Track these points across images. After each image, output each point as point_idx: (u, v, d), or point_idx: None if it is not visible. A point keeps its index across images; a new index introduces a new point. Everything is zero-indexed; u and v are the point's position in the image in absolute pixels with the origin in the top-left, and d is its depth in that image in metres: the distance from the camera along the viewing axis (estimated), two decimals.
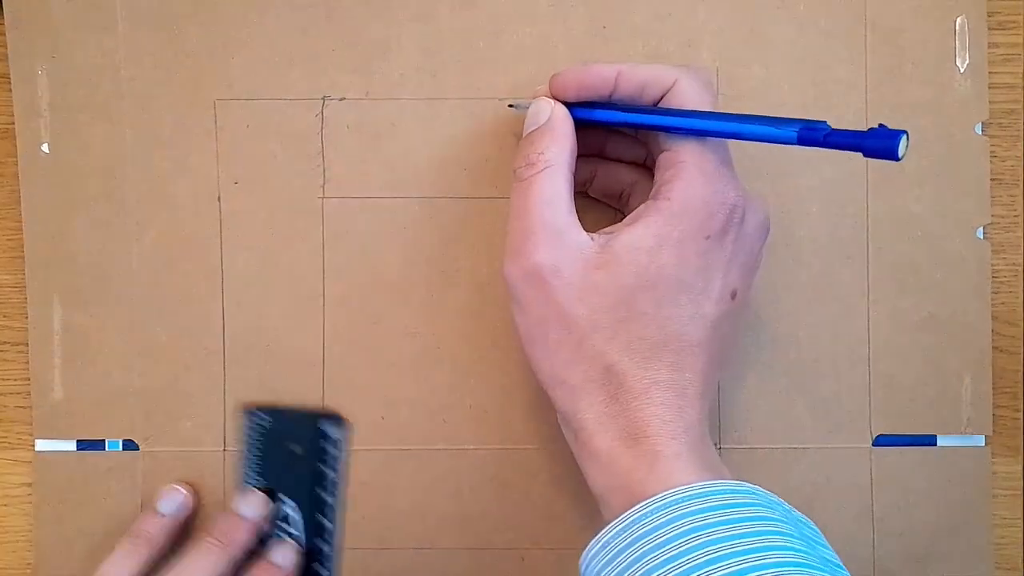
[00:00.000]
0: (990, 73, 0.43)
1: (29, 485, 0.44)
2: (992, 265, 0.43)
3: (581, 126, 0.37)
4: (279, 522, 0.43)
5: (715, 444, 0.43)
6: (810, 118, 0.34)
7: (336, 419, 0.43)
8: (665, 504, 0.32)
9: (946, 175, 0.43)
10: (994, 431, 0.44)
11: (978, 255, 0.43)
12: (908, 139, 0.32)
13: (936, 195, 0.43)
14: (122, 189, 0.43)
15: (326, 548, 0.43)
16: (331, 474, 0.43)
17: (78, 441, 0.43)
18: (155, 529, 0.41)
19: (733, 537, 0.31)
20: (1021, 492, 0.44)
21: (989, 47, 0.43)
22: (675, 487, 0.33)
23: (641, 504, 0.33)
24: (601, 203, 0.42)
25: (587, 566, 0.34)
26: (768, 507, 0.33)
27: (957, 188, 0.43)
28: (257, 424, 0.43)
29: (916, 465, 0.43)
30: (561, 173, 0.36)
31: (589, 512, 0.43)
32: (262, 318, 0.43)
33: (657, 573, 0.31)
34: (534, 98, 0.38)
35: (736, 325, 0.39)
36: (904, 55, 0.43)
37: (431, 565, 0.44)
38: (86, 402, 0.43)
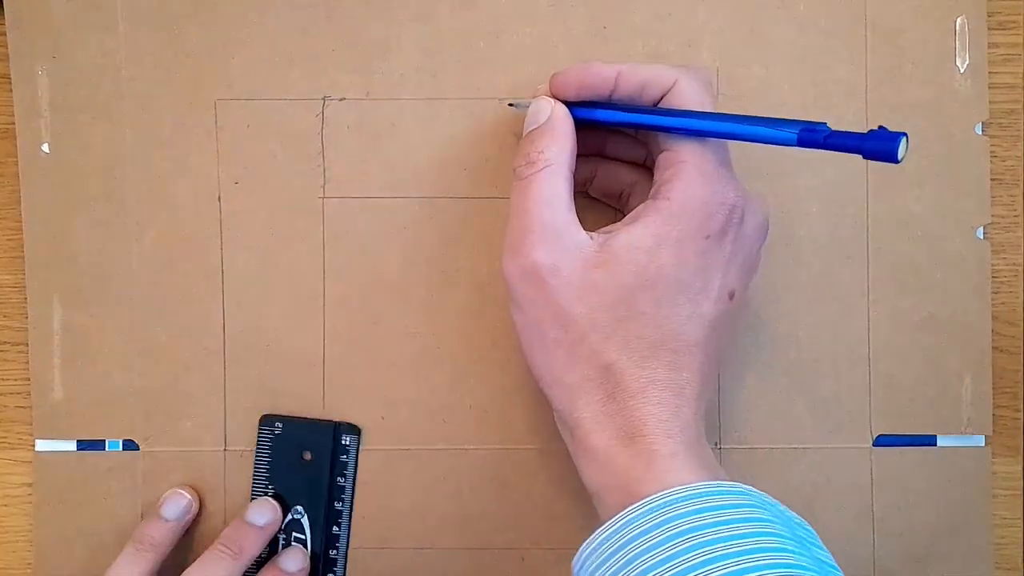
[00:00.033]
0: (990, 73, 0.43)
1: (29, 485, 0.44)
2: (992, 265, 0.43)
3: (581, 126, 0.37)
4: (290, 529, 0.43)
5: (715, 444, 0.43)
6: (810, 118, 0.34)
7: (352, 428, 0.43)
8: (658, 505, 0.32)
9: (946, 175, 0.43)
10: (994, 431, 0.44)
11: (978, 255, 0.43)
12: (908, 141, 0.32)
13: (936, 195, 0.43)
14: (122, 189, 0.43)
15: (336, 555, 0.43)
16: (343, 482, 0.43)
17: (78, 441, 0.43)
18: (160, 534, 0.41)
19: (727, 538, 0.31)
20: (1021, 492, 0.44)
21: (989, 47, 0.43)
22: (672, 485, 0.33)
23: (634, 505, 0.33)
24: (601, 203, 0.42)
25: (580, 568, 0.34)
26: (761, 508, 0.33)
27: (957, 188, 0.43)
28: (271, 432, 0.43)
29: (916, 465, 0.43)
30: (561, 172, 0.36)
31: (589, 512, 0.43)
32: (262, 318, 0.43)
33: (651, 575, 0.31)
34: (534, 97, 0.38)
35: (734, 325, 0.39)
36: (904, 55, 0.43)
37: (431, 565, 0.44)
38: (86, 402, 0.43)
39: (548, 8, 0.43)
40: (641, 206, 0.36)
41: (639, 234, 0.35)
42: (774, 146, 0.35)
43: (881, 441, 0.43)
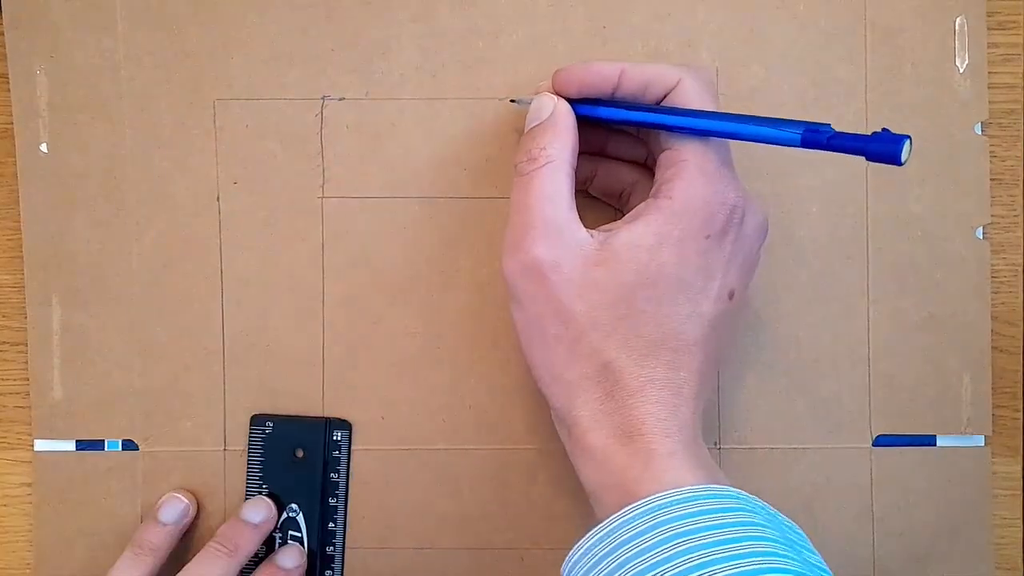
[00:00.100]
0: (990, 73, 0.43)
1: (29, 485, 0.44)
2: (992, 265, 0.43)
3: (583, 124, 0.37)
4: (286, 528, 0.43)
5: (715, 444, 0.43)
6: (809, 118, 0.34)
7: (343, 424, 0.43)
8: (648, 510, 0.32)
9: (946, 175, 0.43)
10: (994, 431, 0.44)
11: (978, 255, 0.43)
12: (911, 143, 0.32)
13: (936, 195, 0.43)
14: (121, 189, 0.43)
15: (332, 551, 0.43)
16: (336, 478, 0.43)
17: (78, 441, 0.43)
18: (158, 538, 0.41)
19: (719, 542, 0.31)
20: (1021, 492, 0.44)
21: (989, 47, 0.43)
22: (670, 485, 0.33)
23: (625, 509, 0.33)
24: (601, 202, 0.42)
25: (569, 571, 0.34)
26: (752, 511, 0.33)
27: (957, 188, 0.43)
28: (262, 432, 0.43)
29: (916, 465, 0.43)
30: (562, 169, 0.36)
31: (588, 512, 0.43)
32: (262, 318, 0.43)
33: None
34: (536, 94, 0.38)
35: (733, 325, 0.39)
36: (904, 55, 0.43)
37: (431, 565, 0.44)
38: (86, 402, 0.43)
39: (548, 8, 0.43)
40: (642, 204, 0.36)
41: (640, 232, 0.35)
42: (775, 146, 0.35)
43: (881, 441, 0.43)
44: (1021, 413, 0.44)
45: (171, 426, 0.43)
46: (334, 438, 0.43)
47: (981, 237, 0.43)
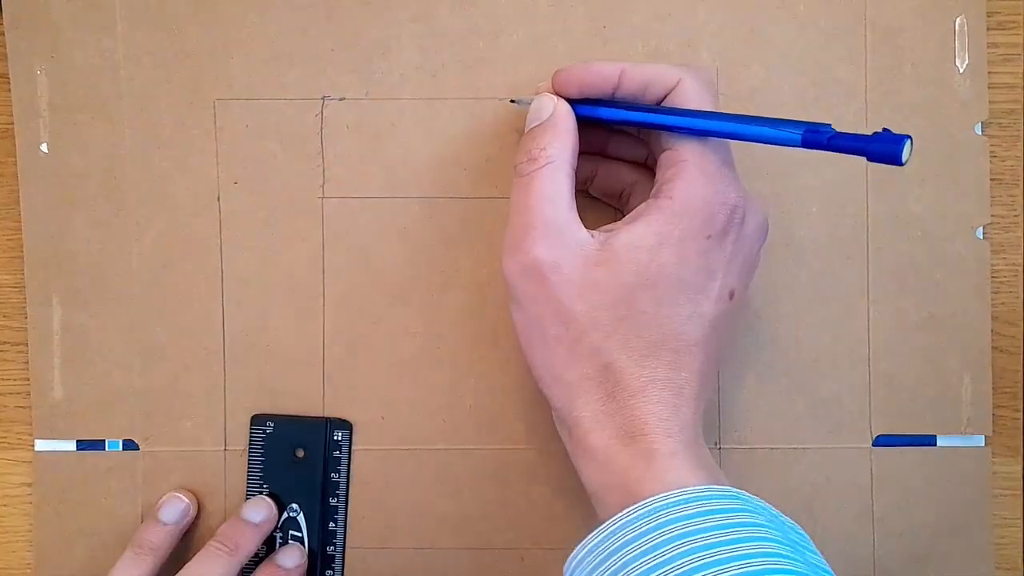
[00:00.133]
0: (990, 73, 0.43)
1: (29, 485, 0.44)
2: (992, 265, 0.43)
3: (583, 124, 0.37)
4: (287, 528, 0.43)
5: (715, 444, 0.43)
6: (809, 118, 0.34)
7: (343, 424, 0.43)
8: (651, 510, 0.32)
9: (946, 175, 0.43)
10: (994, 431, 0.44)
11: (978, 255, 0.43)
12: (912, 143, 0.32)
13: (936, 195, 0.43)
14: (122, 189, 0.43)
15: (333, 551, 0.43)
16: (337, 478, 0.43)
17: (78, 441, 0.43)
18: (158, 538, 0.41)
19: (719, 544, 0.31)
20: (1021, 492, 0.44)
21: (989, 47, 0.43)
22: (672, 485, 0.33)
23: (627, 510, 0.33)
24: (601, 202, 0.42)
25: (572, 572, 0.34)
26: (754, 512, 0.33)
27: (957, 188, 0.43)
28: (263, 432, 0.43)
29: (916, 465, 0.43)
30: (563, 169, 0.36)
31: (588, 512, 0.43)
32: (262, 318, 0.43)
33: None
34: (536, 94, 0.38)
35: (733, 325, 0.39)
36: (904, 55, 0.43)
37: (431, 565, 0.44)
38: (86, 402, 0.43)
39: (548, 8, 0.43)
40: (643, 205, 0.36)
41: (641, 233, 0.35)
42: (775, 146, 0.35)
43: (881, 441, 0.43)
44: (1021, 413, 0.44)
45: (171, 426, 0.43)
46: (334, 438, 0.43)
47: (981, 237, 0.43)
